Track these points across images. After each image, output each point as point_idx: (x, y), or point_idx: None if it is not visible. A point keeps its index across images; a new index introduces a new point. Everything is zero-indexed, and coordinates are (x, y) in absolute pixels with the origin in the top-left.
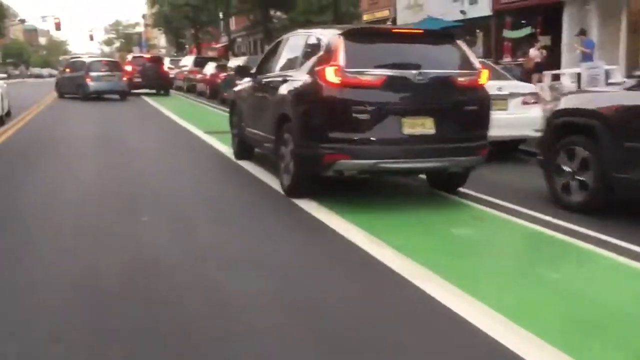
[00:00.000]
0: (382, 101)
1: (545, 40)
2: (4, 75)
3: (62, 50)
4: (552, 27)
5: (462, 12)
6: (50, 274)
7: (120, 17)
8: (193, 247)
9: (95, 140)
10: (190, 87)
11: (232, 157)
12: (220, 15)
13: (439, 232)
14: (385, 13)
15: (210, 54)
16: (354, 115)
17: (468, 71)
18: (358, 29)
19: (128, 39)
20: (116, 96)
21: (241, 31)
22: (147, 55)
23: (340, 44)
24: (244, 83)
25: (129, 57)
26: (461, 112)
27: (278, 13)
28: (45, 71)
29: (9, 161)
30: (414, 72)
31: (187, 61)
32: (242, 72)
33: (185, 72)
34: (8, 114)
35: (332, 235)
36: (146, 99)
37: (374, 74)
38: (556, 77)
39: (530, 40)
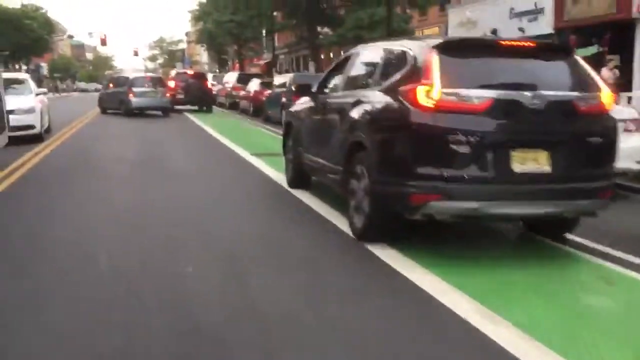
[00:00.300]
0: (486, 130)
1: (615, 59)
2: (44, 90)
3: (107, 66)
4: (621, 45)
5: (521, 29)
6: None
7: (164, 34)
8: (252, 315)
9: (136, 162)
10: (233, 104)
11: (285, 184)
12: (264, 32)
13: (564, 300)
14: (435, 30)
15: (253, 70)
16: (450, 146)
17: (590, 94)
18: (456, 40)
19: (171, 56)
20: (159, 112)
21: (283, 48)
22: (191, 72)
23: (433, 59)
24: (303, 103)
25: (172, 73)
26: (583, 144)
27: (325, 29)
28: (91, 86)
29: (42, 184)
30: (527, 94)
31: (230, 77)
32: (301, 90)
33: (228, 89)
34: (48, 130)
35: (422, 298)
36: (189, 115)
37: (477, 96)
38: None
39: (598, 59)
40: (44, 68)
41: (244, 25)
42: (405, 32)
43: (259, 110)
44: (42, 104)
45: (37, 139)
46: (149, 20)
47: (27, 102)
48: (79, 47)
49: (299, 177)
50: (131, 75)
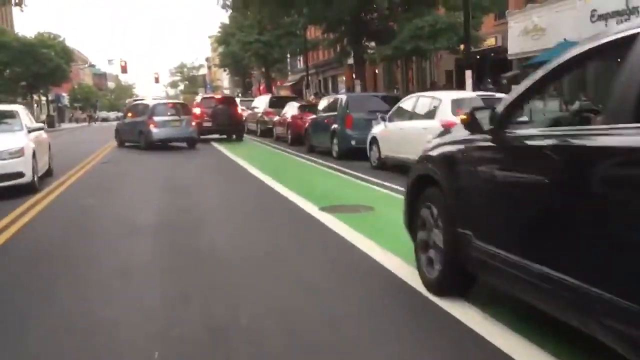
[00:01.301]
0: None
1: None
2: (40, 125)
3: (128, 94)
4: None
5: None
6: None
7: (184, 60)
8: None
9: (156, 230)
10: (265, 131)
11: (414, 281)
12: (289, 52)
13: None
14: (490, 42)
15: (283, 93)
16: None
17: None
18: None
19: (192, 81)
20: (183, 144)
21: (311, 68)
22: (218, 96)
23: None
24: (460, 142)
25: (198, 98)
26: None
27: (372, 43)
28: (112, 114)
29: (13, 276)
30: None
31: (261, 102)
32: (472, 119)
33: (259, 114)
34: (48, 173)
35: None
36: (218, 146)
37: None
38: None
39: None
40: (65, 98)
41: (271, 45)
42: (474, 40)
43: (298, 138)
44: (38, 143)
45: (29, 189)
46: (169, 47)
47: (14, 142)
48: (100, 76)
49: (454, 277)
50: (151, 102)
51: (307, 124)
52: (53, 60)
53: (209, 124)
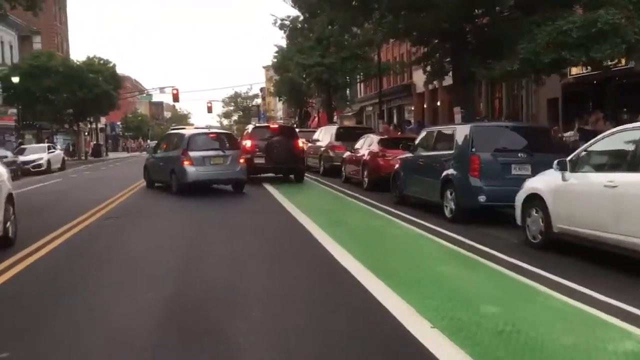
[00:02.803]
0: None
1: None
2: None
3: (183, 123)
4: None
5: None
6: None
7: (239, 89)
8: None
9: None
10: (330, 169)
11: None
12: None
13: None
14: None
15: (347, 123)
16: None
17: None
18: None
19: (246, 112)
20: (227, 187)
21: (372, 98)
22: (274, 125)
23: None
24: None
25: (249, 127)
26: None
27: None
28: None
29: None
30: None
31: (325, 133)
32: None
33: (323, 148)
34: (6, 242)
35: None
36: (270, 188)
37: None
38: None
39: None
40: (119, 126)
41: (335, 68)
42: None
43: (379, 182)
44: None
45: None
46: (223, 77)
47: None
48: (157, 105)
49: None
50: (188, 131)
51: (395, 165)
52: (100, 86)
53: (261, 161)
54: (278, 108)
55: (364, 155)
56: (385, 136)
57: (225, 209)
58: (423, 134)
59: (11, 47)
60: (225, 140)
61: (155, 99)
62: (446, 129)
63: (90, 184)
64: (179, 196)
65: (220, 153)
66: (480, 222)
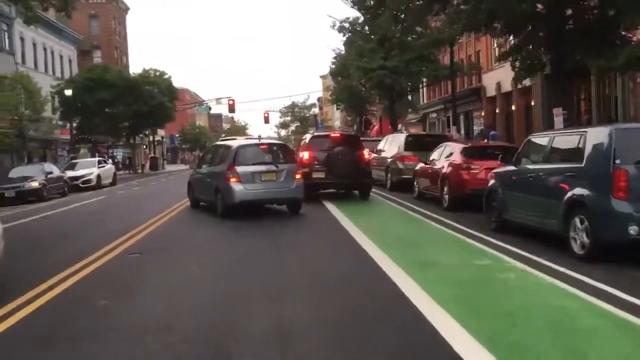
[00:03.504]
0: None
1: None
2: None
3: (241, 134)
4: None
5: None
6: None
7: (296, 99)
8: None
9: None
10: (398, 183)
11: None
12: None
13: None
14: None
15: (413, 131)
16: None
17: None
18: None
19: (304, 122)
20: (282, 207)
21: (436, 104)
22: (335, 134)
23: None
24: None
25: (307, 137)
26: None
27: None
28: None
29: None
30: None
31: (392, 142)
32: None
33: (389, 159)
34: None
35: None
36: (331, 207)
37: None
38: None
39: None
40: (177, 138)
41: (399, 72)
42: None
43: (463, 200)
44: None
45: None
46: (281, 87)
47: None
48: (216, 117)
49: None
50: (235, 143)
51: (489, 180)
52: (155, 98)
53: (321, 175)
54: (336, 117)
55: (442, 167)
56: (469, 144)
57: (278, 239)
58: (531, 141)
59: (70, 61)
60: (279, 152)
61: (213, 110)
62: (568, 134)
63: (132, 202)
64: (224, 220)
65: (273, 168)
66: (619, 259)
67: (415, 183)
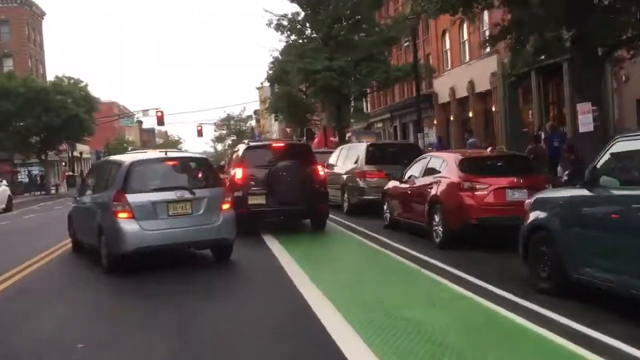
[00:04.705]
0: None
1: None
2: None
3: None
4: None
5: None
6: None
7: (231, 110)
8: None
9: None
10: (359, 205)
11: None
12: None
13: None
14: None
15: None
16: None
17: None
18: None
19: (240, 135)
20: (206, 251)
21: (382, 113)
22: (279, 143)
23: None
24: None
25: (240, 148)
26: None
27: None
28: None
29: None
30: None
31: (348, 155)
32: None
33: (345, 176)
34: None
35: None
36: (276, 248)
37: None
38: None
39: None
40: (103, 154)
41: (347, 74)
42: None
43: (462, 235)
44: None
45: None
46: (215, 101)
47: None
48: (149, 132)
49: None
50: (128, 158)
51: (530, 211)
52: (68, 109)
53: (260, 201)
54: (274, 129)
55: (429, 187)
56: (468, 154)
57: (186, 328)
58: (622, 148)
59: None
60: (196, 170)
61: (146, 125)
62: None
63: (8, 240)
64: (112, 278)
65: (187, 195)
66: None
67: (385, 207)
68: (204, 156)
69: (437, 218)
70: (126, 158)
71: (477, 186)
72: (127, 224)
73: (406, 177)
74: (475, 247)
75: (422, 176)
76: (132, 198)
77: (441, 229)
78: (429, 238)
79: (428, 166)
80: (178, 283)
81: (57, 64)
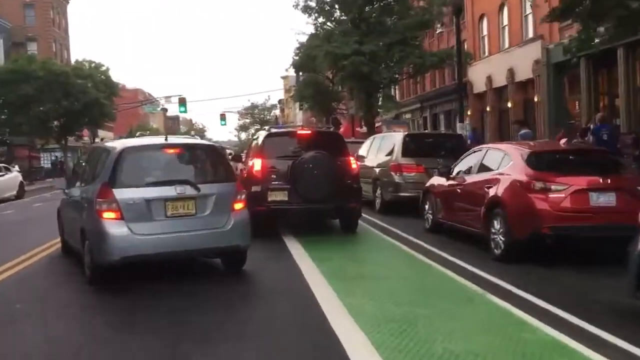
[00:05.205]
0: None
1: None
2: None
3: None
4: None
5: None
6: None
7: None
8: None
9: None
10: (394, 202)
11: None
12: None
13: None
14: None
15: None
16: None
17: None
18: None
19: (264, 124)
20: (216, 260)
21: (412, 103)
22: (305, 130)
23: None
24: None
25: (260, 135)
26: None
27: None
28: None
29: None
30: None
31: (382, 146)
32: None
33: (378, 170)
34: None
35: None
36: (298, 254)
37: None
38: None
39: None
40: None
41: (380, 58)
42: None
43: (529, 247)
44: None
45: None
46: (240, 89)
47: None
48: (173, 119)
49: None
50: (119, 144)
51: None
52: (88, 93)
53: (282, 197)
54: (298, 119)
55: (488, 185)
56: (538, 147)
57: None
58: None
59: None
60: (203, 161)
61: (170, 112)
62: None
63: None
64: (95, 293)
65: (190, 191)
66: None
67: (426, 207)
68: (212, 143)
69: (496, 224)
70: (118, 144)
71: (551, 187)
72: (114, 227)
73: (454, 173)
74: (540, 262)
75: (477, 172)
76: (120, 194)
77: (502, 238)
78: (482, 246)
79: (484, 161)
80: (176, 304)
81: (82, 50)
